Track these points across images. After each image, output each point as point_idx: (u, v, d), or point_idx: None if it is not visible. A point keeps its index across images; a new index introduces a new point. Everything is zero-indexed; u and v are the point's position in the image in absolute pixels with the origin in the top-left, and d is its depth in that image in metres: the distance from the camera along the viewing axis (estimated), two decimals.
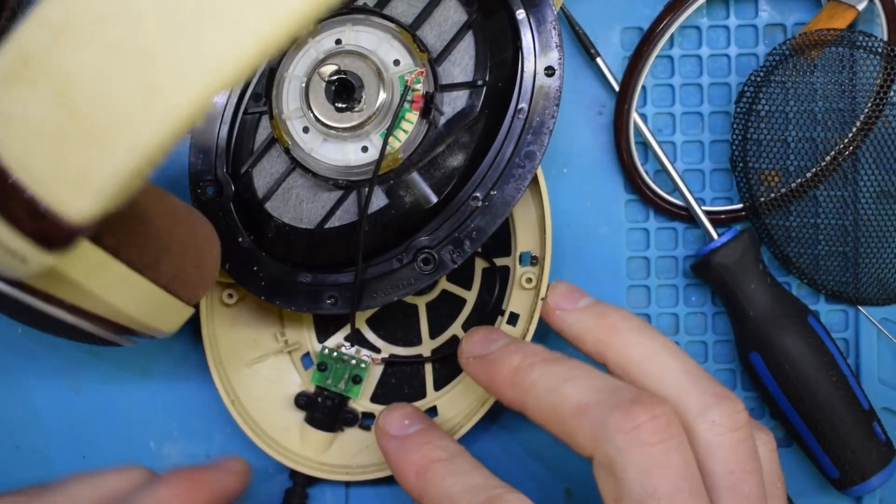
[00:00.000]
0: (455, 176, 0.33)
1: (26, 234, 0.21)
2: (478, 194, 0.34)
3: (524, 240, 0.37)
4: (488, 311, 0.39)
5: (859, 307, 0.40)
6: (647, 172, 0.39)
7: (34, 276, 0.24)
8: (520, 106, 0.34)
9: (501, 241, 0.38)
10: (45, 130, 0.21)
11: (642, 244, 0.40)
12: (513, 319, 0.37)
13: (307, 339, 0.39)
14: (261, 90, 0.35)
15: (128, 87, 0.21)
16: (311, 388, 0.39)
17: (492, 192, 0.34)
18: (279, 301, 0.35)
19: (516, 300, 0.37)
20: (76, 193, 0.21)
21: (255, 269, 0.35)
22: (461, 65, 0.34)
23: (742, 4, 0.40)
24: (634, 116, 0.39)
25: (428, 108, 0.33)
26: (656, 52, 0.39)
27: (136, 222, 0.28)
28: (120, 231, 0.27)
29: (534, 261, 0.37)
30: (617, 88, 0.39)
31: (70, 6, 0.21)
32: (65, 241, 0.22)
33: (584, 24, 0.39)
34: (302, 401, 0.38)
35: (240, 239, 0.35)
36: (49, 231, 0.22)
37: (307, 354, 0.40)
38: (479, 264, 0.39)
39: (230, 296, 0.38)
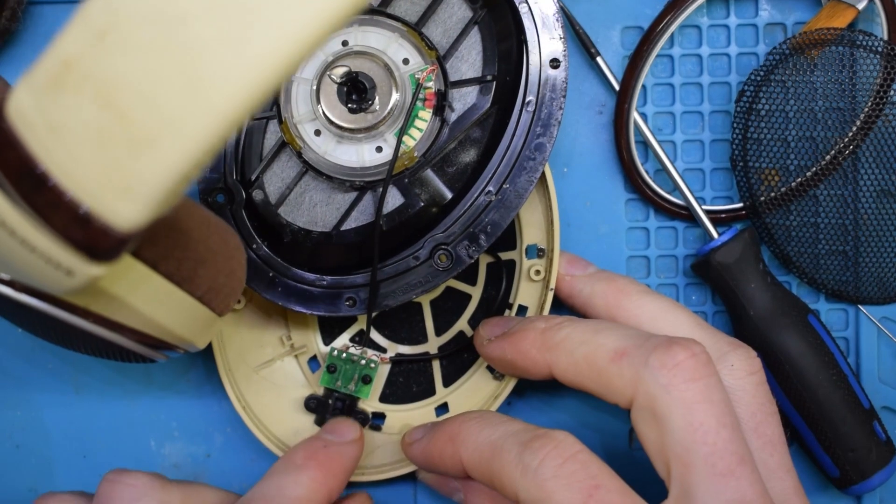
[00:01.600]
0: (468, 171, 0.34)
1: (74, 245, 0.21)
2: (490, 188, 0.34)
3: (530, 233, 0.38)
4: (495, 306, 0.39)
5: (859, 306, 0.40)
6: (647, 172, 0.39)
7: (77, 291, 0.23)
8: (528, 99, 0.34)
9: (506, 235, 0.38)
10: (90, 136, 0.20)
11: (642, 243, 0.40)
12: (521, 313, 0.38)
13: (313, 342, 0.39)
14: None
15: (173, 88, 0.20)
16: (320, 391, 0.38)
17: (504, 186, 0.34)
18: (298, 306, 0.35)
19: (524, 293, 0.37)
20: (124, 199, 0.21)
21: (270, 275, 0.35)
22: (469, 61, 0.34)
23: (742, 4, 0.40)
24: (634, 116, 0.39)
25: (441, 105, 0.33)
26: (656, 51, 0.39)
27: (174, 234, 0.28)
28: (159, 244, 0.27)
29: (540, 253, 0.37)
30: (617, 88, 0.39)
31: (113, 6, 0.20)
32: (113, 250, 0.21)
33: (584, 24, 0.39)
34: (312, 404, 0.38)
35: (254, 246, 0.35)
36: (97, 240, 0.21)
37: (314, 357, 0.40)
38: (483, 259, 0.39)
39: (238, 301, 0.38)
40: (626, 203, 0.40)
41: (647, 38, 0.39)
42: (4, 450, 0.41)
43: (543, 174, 0.36)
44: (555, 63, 0.34)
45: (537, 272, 0.37)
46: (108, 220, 0.21)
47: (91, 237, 0.21)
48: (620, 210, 0.40)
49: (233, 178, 0.35)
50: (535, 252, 0.37)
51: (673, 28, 0.38)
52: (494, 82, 0.34)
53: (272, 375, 0.39)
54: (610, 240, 0.40)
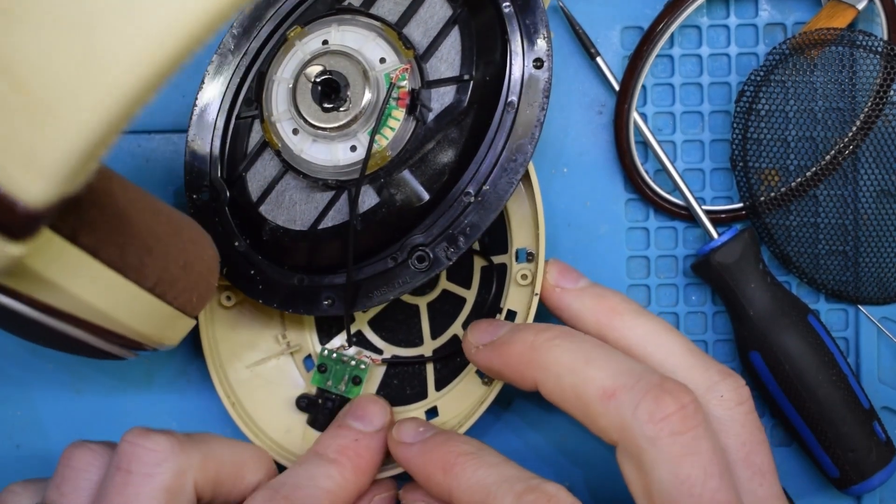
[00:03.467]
0: (446, 172, 0.33)
1: None
2: (470, 190, 0.34)
3: (520, 236, 0.37)
4: (486, 310, 0.39)
5: (859, 306, 0.40)
6: (647, 172, 0.39)
7: (10, 274, 0.23)
8: (509, 99, 0.34)
9: (499, 238, 0.38)
10: None
11: (642, 243, 0.40)
12: (510, 317, 0.37)
13: (308, 341, 0.39)
14: (252, 94, 0.35)
15: (71, 60, 0.20)
16: (313, 390, 0.38)
17: (484, 187, 0.34)
18: (276, 304, 0.35)
19: (513, 297, 0.37)
20: (27, 172, 0.20)
21: (252, 272, 0.35)
22: (448, 60, 0.34)
23: (742, 4, 0.40)
24: (634, 116, 0.39)
25: (414, 104, 0.33)
26: (656, 51, 0.39)
27: (115, 221, 0.27)
28: (98, 230, 0.27)
29: (529, 257, 0.37)
30: (617, 88, 0.39)
31: None
32: (26, 226, 0.21)
33: (584, 24, 0.39)
34: (303, 403, 0.38)
35: (236, 243, 0.35)
36: (7, 216, 0.21)
37: (309, 356, 0.40)
38: (478, 262, 0.39)
39: (228, 298, 0.38)
40: (626, 203, 0.40)
41: (647, 38, 0.39)
42: (4, 450, 0.41)
43: (529, 176, 0.36)
44: (538, 63, 0.34)
45: (524, 276, 0.37)
46: (14, 195, 0.20)
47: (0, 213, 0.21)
48: (620, 210, 0.40)
49: (217, 176, 0.35)
50: (525, 256, 0.37)
51: (673, 28, 0.38)
52: (471, 82, 0.33)
53: (266, 373, 0.39)
54: (610, 240, 0.40)
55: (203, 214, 0.35)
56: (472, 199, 0.34)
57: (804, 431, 0.37)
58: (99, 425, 0.40)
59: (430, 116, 0.33)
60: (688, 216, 0.39)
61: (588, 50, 0.39)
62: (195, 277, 0.31)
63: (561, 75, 0.40)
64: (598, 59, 0.39)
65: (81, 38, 0.20)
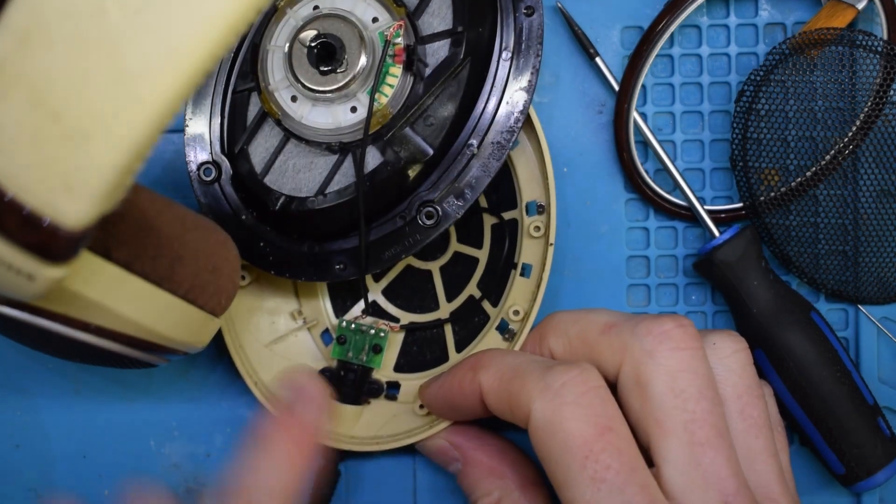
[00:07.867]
0: (447, 126, 0.33)
1: (26, 248, 0.21)
2: (473, 142, 0.34)
3: (528, 190, 0.37)
4: (500, 267, 0.38)
5: (859, 306, 0.40)
6: (647, 171, 0.39)
7: (47, 296, 0.23)
8: (504, 49, 0.34)
9: (507, 194, 0.38)
10: (25, 137, 0.20)
11: (642, 243, 0.40)
12: (525, 271, 0.37)
13: (325, 315, 0.39)
14: (247, 67, 0.35)
15: (100, 82, 0.20)
16: (334, 364, 0.38)
17: (486, 138, 0.34)
18: (288, 273, 0.35)
19: (527, 251, 0.37)
20: (67, 197, 0.21)
21: (261, 245, 0.35)
22: (440, 15, 0.34)
23: (742, 3, 0.40)
24: (634, 115, 0.39)
25: (410, 60, 0.33)
26: (656, 51, 0.39)
27: (144, 233, 0.28)
28: (130, 244, 0.27)
29: (540, 209, 0.37)
30: (617, 88, 0.39)
31: (33, 7, 0.20)
32: (66, 249, 0.22)
33: (584, 23, 0.39)
34: (325, 376, 0.38)
35: (243, 217, 0.35)
36: (48, 241, 0.21)
37: (326, 331, 0.40)
38: (488, 221, 0.39)
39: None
40: (626, 203, 0.40)
41: (647, 38, 0.39)
42: (4, 450, 0.40)
43: (533, 126, 0.36)
44: (529, 10, 0.34)
45: (537, 228, 0.37)
46: (54, 220, 0.21)
47: (42, 238, 0.21)
48: (620, 210, 0.40)
49: (219, 152, 0.36)
50: (535, 208, 0.37)
51: (673, 28, 0.38)
52: (465, 35, 0.33)
53: (285, 351, 0.39)
54: (610, 240, 0.40)
55: (207, 191, 0.36)
56: (476, 151, 0.34)
57: (809, 428, 0.37)
58: (99, 425, 0.40)
59: (427, 72, 0.34)
60: (688, 216, 0.39)
61: (587, 50, 0.39)
62: (223, 280, 0.31)
63: (561, 75, 0.40)
64: (598, 60, 0.39)
65: (109, 59, 0.20)
